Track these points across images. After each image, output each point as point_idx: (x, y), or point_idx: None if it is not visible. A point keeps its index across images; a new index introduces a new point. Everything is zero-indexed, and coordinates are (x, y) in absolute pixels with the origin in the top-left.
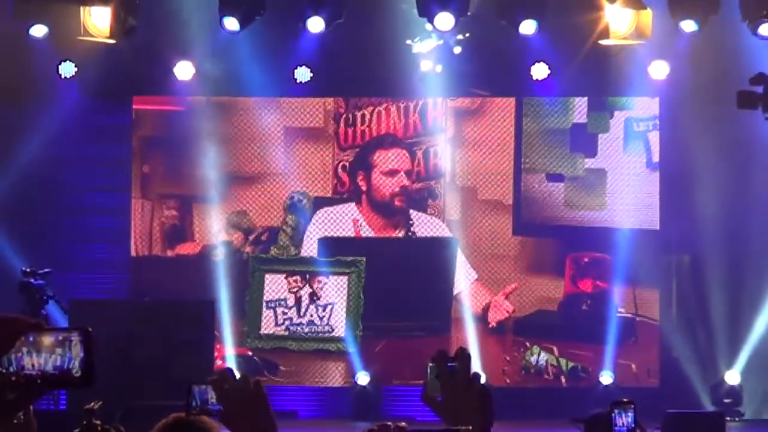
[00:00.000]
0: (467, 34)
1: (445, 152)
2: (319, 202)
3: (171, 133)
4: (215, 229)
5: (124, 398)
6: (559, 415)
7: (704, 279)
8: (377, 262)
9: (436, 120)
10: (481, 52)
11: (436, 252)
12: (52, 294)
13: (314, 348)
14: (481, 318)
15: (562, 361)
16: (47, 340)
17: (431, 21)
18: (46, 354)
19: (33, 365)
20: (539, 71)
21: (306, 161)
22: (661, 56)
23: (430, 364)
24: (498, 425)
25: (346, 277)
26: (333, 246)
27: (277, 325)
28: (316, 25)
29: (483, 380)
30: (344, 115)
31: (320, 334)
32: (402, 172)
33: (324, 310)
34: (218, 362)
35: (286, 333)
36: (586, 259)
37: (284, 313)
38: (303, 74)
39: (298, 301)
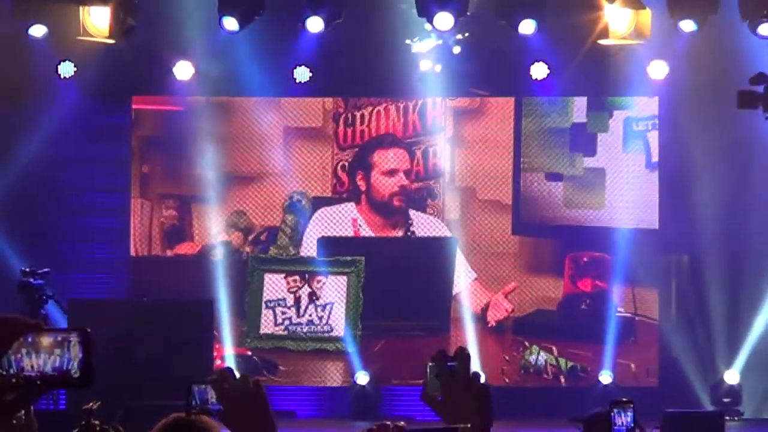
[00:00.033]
0: (466, 34)
1: (444, 152)
2: (318, 202)
3: (170, 133)
4: (214, 229)
5: (123, 398)
6: (559, 414)
7: (703, 279)
8: (376, 262)
9: (435, 120)
10: (480, 52)
11: (435, 252)
12: (51, 294)
13: (313, 348)
14: (481, 317)
15: (562, 361)
16: (46, 341)
17: (430, 21)
18: (45, 355)
19: (32, 366)
20: (538, 71)
21: (305, 161)
22: (660, 56)
23: (430, 364)
24: (497, 425)
25: (345, 277)
26: (332, 246)
27: (276, 324)
28: (315, 25)
29: (483, 380)
30: (343, 115)
31: (319, 334)
32: (401, 172)
33: (323, 310)
34: (218, 362)
35: (286, 333)
36: (585, 259)
37: (283, 313)
38: (302, 74)
39: (297, 301)
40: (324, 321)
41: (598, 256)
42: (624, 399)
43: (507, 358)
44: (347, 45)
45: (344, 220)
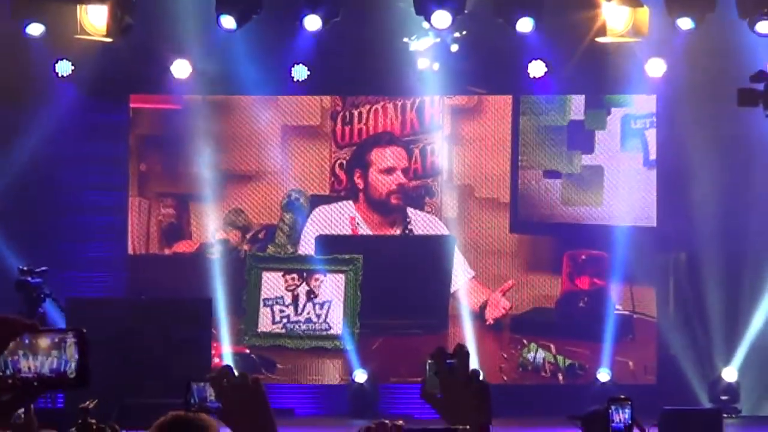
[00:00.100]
0: (464, 32)
1: (442, 150)
2: (316, 200)
3: (168, 132)
4: (212, 228)
5: (122, 397)
6: (557, 412)
7: (701, 276)
8: (374, 260)
9: (433, 118)
10: (478, 50)
11: (433, 250)
12: (49, 292)
13: (311, 346)
14: (479, 315)
15: (560, 359)
16: (43, 342)
17: (428, 19)
18: (42, 356)
19: (29, 368)
20: (536, 69)
21: (303, 159)
22: (658, 54)
23: (429, 361)
24: (495, 422)
25: (343, 275)
26: (330, 244)
27: (274, 323)
28: (313, 23)
29: (481, 377)
30: (341, 113)
31: (317, 332)
32: (399, 170)
33: (321, 308)
34: (215, 360)
35: (283, 331)
36: (583, 257)
37: (281, 311)
38: (300, 72)
39: (295, 299)
40: (322, 319)
41: (596, 254)
42: (622, 396)
43: (505, 355)
44: (345, 43)
45: (342, 218)
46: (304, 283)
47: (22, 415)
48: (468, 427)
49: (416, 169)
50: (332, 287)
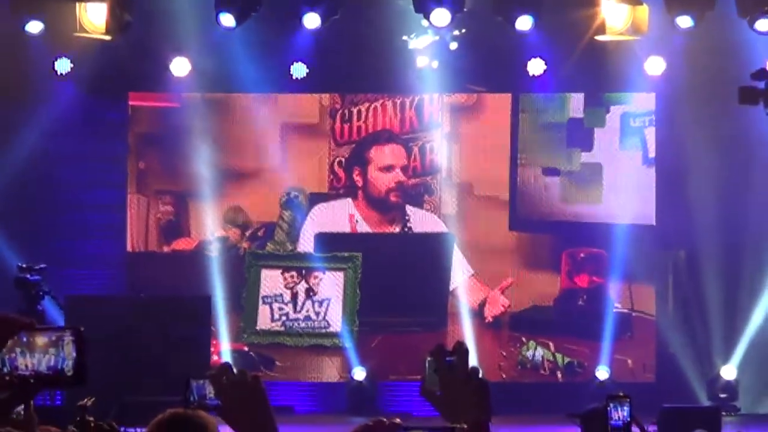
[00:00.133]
0: (463, 30)
1: (441, 148)
2: (315, 198)
3: (167, 130)
4: (211, 225)
5: (121, 394)
6: (556, 410)
7: (700, 274)
8: (373, 258)
9: (432, 116)
10: (477, 48)
11: (432, 247)
12: (47, 290)
13: (310, 343)
14: (478, 313)
15: (558, 357)
16: (40, 340)
17: (427, 17)
18: (39, 354)
19: (26, 366)
20: (535, 67)
21: (302, 157)
22: (657, 52)
23: (429, 359)
24: (494, 420)
25: (343, 273)
26: (329, 241)
27: (273, 320)
28: (312, 21)
29: (481, 374)
30: (340, 111)
31: (316, 330)
32: (398, 168)
33: (320, 306)
34: (214, 358)
35: (282, 328)
36: (582, 255)
37: (280, 309)
38: (299, 70)
39: (294, 297)
40: (321, 317)
41: (595, 252)
42: (621, 393)
43: (504, 353)
44: (344, 41)
45: (341, 215)
46: (303, 281)
47: (23, 412)
48: (465, 425)
49: (415, 167)
50: (331, 285)
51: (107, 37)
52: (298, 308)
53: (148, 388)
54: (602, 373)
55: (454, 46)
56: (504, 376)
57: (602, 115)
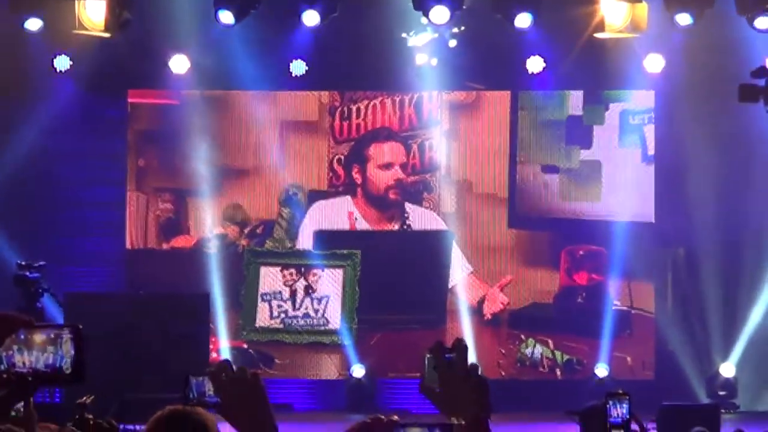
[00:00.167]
0: (462, 28)
1: (440, 145)
2: (314, 196)
3: (166, 127)
4: (210, 223)
5: (120, 391)
6: (555, 407)
7: (699, 272)
8: (372, 255)
9: (431, 113)
10: (476, 46)
11: (431, 245)
12: (47, 287)
13: (309, 341)
14: (477, 310)
15: (557, 354)
16: (38, 337)
17: (426, 14)
18: (37, 352)
19: (24, 363)
20: (535, 65)
21: (301, 154)
22: (656, 49)
23: (428, 356)
24: (493, 418)
25: (342, 270)
26: (328, 239)
27: (272, 318)
28: (311, 18)
29: (480, 372)
30: (339, 109)
31: (315, 327)
32: (397, 166)
33: (319, 303)
34: (213, 355)
35: (281, 326)
36: (581, 252)
37: (279, 306)
38: (298, 68)
39: (293, 294)
40: (320, 314)
41: (594, 250)
42: (620, 391)
43: (503, 351)
44: (343, 39)
45: (340, 213)
46: (302, 278)
47: (22, 409)
48: (462, 420)
49: (414, 165)
50: (330, 282)
51: (106, 35)
52: (297, 306)
53: (148, 385)
54: (601, 370)
55: (453, 43)
56: (503, 373)
57: (601, 113)
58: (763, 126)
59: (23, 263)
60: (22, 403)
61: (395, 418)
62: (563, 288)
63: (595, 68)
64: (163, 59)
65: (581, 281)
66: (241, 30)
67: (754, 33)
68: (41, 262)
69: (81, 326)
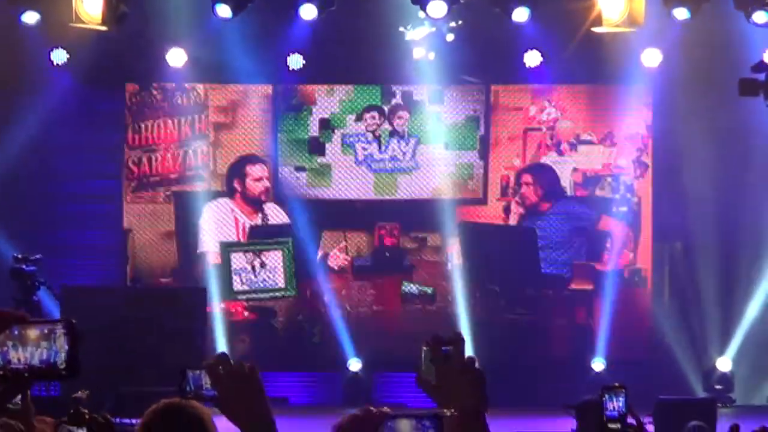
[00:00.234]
0: (460, 22)
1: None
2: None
3: None
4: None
5: (116, 385)
6: (551, 401)
7: (696, 266)
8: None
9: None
10: (474, 40)
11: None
12: (43, 280)
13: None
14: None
15: None
16: (32, 333)
17: (424, 8)
18: (32, 348)
19: (19, 359)
20: (532, 58)
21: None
22: (653, 44)
23: (425, 348)
24: (490, 411)
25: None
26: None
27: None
28: (308, 12)
29: (477, 365)
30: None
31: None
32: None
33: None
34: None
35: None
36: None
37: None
38: (295, 61)
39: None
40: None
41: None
42: (616, 384)
43: None
44: (341, 32)
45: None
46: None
47: (20, 403)
48: (454, 411)
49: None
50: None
51: (103, 28)
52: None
53: (144, 379)
54: (598, 364)
55: (450, 37)
56: None
57: None
58: (760, 120)
59: (20, 256)
60: (19, 396)
61: (386, 409)
62: None
63: (592, 62)
64: (160, 52)
65: None
66: (239, 23)
67: (752, 27)
68: (37, 255)
69: (74, 321)
